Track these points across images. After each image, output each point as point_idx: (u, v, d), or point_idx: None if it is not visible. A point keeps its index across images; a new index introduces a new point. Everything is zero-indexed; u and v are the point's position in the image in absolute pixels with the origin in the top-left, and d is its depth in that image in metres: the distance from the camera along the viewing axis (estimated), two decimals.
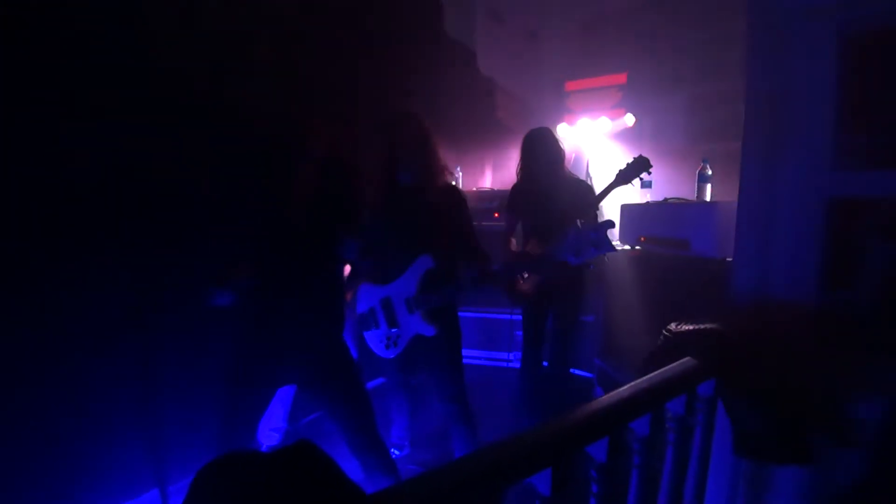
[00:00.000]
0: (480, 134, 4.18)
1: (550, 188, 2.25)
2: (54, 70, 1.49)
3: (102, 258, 1.61)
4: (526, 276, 2.28)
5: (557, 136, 2.31)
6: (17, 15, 1.39)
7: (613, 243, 1.68)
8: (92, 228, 1.59)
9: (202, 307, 1.38)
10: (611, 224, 1.71)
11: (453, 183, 2.01)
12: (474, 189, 3.89)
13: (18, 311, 1.46)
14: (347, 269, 2.03)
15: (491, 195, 3.47)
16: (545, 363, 2.45)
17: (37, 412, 1.50)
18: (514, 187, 2.42)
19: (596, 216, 2.25)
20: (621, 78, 4.20)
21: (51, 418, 1.52)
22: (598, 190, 2.27)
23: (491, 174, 4.36)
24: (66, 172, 1.54)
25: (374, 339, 1.96)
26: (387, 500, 0.57)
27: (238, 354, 1.50)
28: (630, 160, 2.12)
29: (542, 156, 2.26)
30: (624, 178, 2.12)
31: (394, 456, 2.27)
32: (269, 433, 2.26)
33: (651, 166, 2.10)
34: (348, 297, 1.94)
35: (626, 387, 1.02)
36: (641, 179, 2.13)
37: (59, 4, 1.49)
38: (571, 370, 2.52)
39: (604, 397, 0.96)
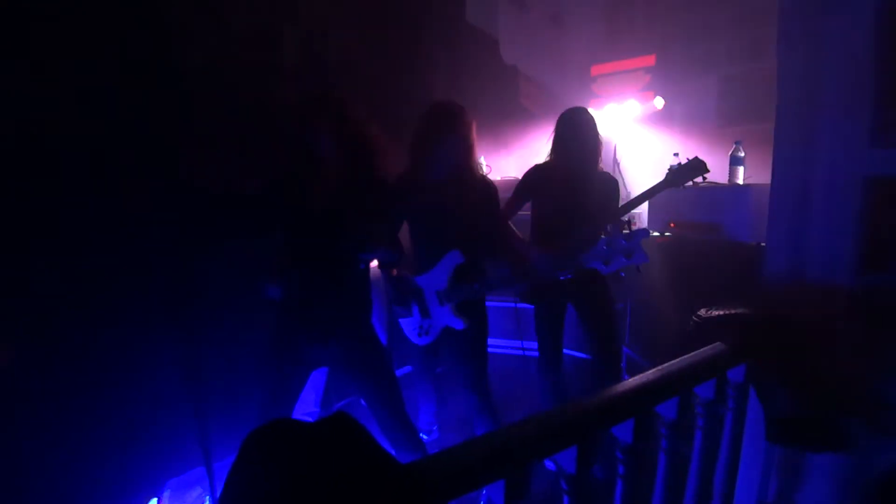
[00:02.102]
0: (504, 122, 4.15)
1: (581, 179, 2.04)
2: (79, 69, 1.55)
3: (148, 251, 1.71)
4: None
5: (596, 124, 2.09)
6: (36, 12, 1.45)
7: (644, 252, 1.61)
8: (135, 225, 1.69)
9: (243, 296, 1.45)
10: (645, 233, 1.63)
11: (486, 176, 1.94)
12: (498, 178, 3.88)
13: (72, 298, 1.57)
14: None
15: (514, 184, 3.44)
16: (587, 356, 2.34)
17: (89, 393, 1.61)
18: (539, 167, 2.16)
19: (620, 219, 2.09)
20: (650, 60, 4.08)
21: (103, 399, 1.63)
22: (628, 181, 2.14)
23: (515, 162, 4.33)
24: (112, 170, 1.63)
25: (409, 327, 2.00)
26: (419, 470, 0.60)
27: (275, 338, 1.58)
28: (685, 161, 1.89)
29: (583, 141, 2.03)
30: (675, 179, 1.88)
31: (423, 439, 2.33)
32: (303, 417, 2.36)
33: (708, 171, 1.86)
34: (395, 272, 1.95)
35: (653, 370, 1.02)
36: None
37: (77, 4, 1.55)
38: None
39: (631, 379, 0.97)
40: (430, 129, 1.75)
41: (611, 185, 2.12)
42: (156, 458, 1.76)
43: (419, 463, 0.61)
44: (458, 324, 1.86)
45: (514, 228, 2.18)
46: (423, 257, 1.91)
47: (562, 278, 2.05)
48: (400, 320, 2.03)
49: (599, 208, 1.98)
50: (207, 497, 1.75)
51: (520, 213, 2.21)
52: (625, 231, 1.65)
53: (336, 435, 0.52)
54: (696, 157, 1.87)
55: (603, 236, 1.65)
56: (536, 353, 2.30)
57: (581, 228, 1.91)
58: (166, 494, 1.82)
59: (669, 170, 1.91)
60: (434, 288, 1.88)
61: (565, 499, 0.84)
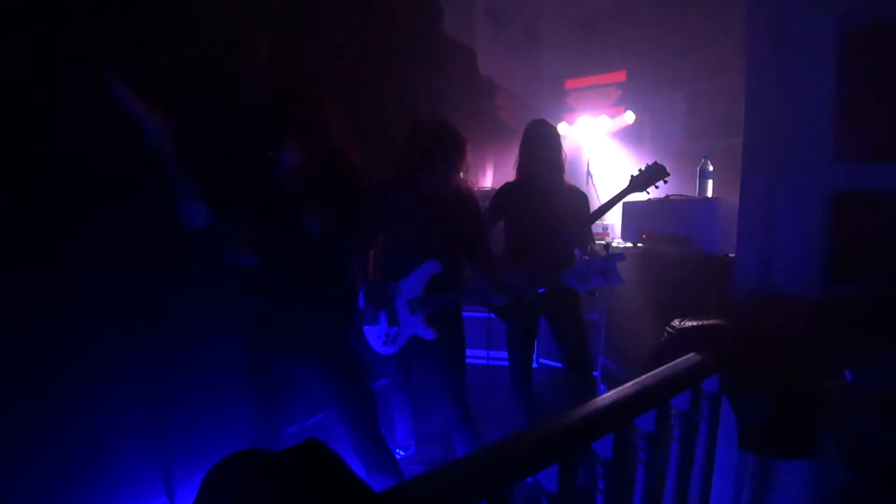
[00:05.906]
0: (481, 134, 4.17)
1: (549, 193, 2.09)
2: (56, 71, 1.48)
3: (108, 259, 1.61)
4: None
5: (560, 135, 2.15)
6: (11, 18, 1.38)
7: (619, 275, 1.72)
8: (99, 230, 1.59)
9: (210, 318, 1.38)
10: (621, 257, 1.75)
11: (471, 189, 2.00)
12: (475, 189, 3.89)
13: (26, 312, 1.46)
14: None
15: (491, 195, 3.46)
16: (559, 364, 2.34)
17: (44, 415, 1.49)
18: (509, 185, 2.23)
19: (590, 231, 2.11)
20: (620, 75, 4.19)
21: (57, 421, 1.52)
22: (600, 194, 2.19)
23: (492, 174, 4.36)
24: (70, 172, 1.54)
25: (373, 335, 1.96)
26: (395, 497, 0.57)
27: (251, 352, 1.52)
28: (644, 167, 1.96)
29: (545, 155, 2.09)
30: (639, 184, 1.96)
31: (400, 456, 2.28)
32: None
33: (668, 174, 1.93)
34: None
35: (630, 383, 1.02)
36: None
37: (54, 6, 1.48)
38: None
39: (609, 393, 0.96)
40: (429, 145, 1.81)
41: (580, 198, 2.17)
42: (114, 486, 1.65)
43: (396, 489, 0.58)
44: (429, 333, 1.84)
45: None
46: (397, 264, 1.89)
47: (539, 291, 2.07)
48: (364, 328, 1.97)
49: (570, 222, 2.01)
50: None
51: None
52: (602, 254, 1.77)
53: (305, 465, 0.49)
54: (656, 162, 1.95)
55: (585, 257, 1.71)
56: (504, 363, 2.31)
57: (553, 243, 1.95)
58: None
59: (631, 177, 1.99)
60: (407, 296, 1.86)
61: None
